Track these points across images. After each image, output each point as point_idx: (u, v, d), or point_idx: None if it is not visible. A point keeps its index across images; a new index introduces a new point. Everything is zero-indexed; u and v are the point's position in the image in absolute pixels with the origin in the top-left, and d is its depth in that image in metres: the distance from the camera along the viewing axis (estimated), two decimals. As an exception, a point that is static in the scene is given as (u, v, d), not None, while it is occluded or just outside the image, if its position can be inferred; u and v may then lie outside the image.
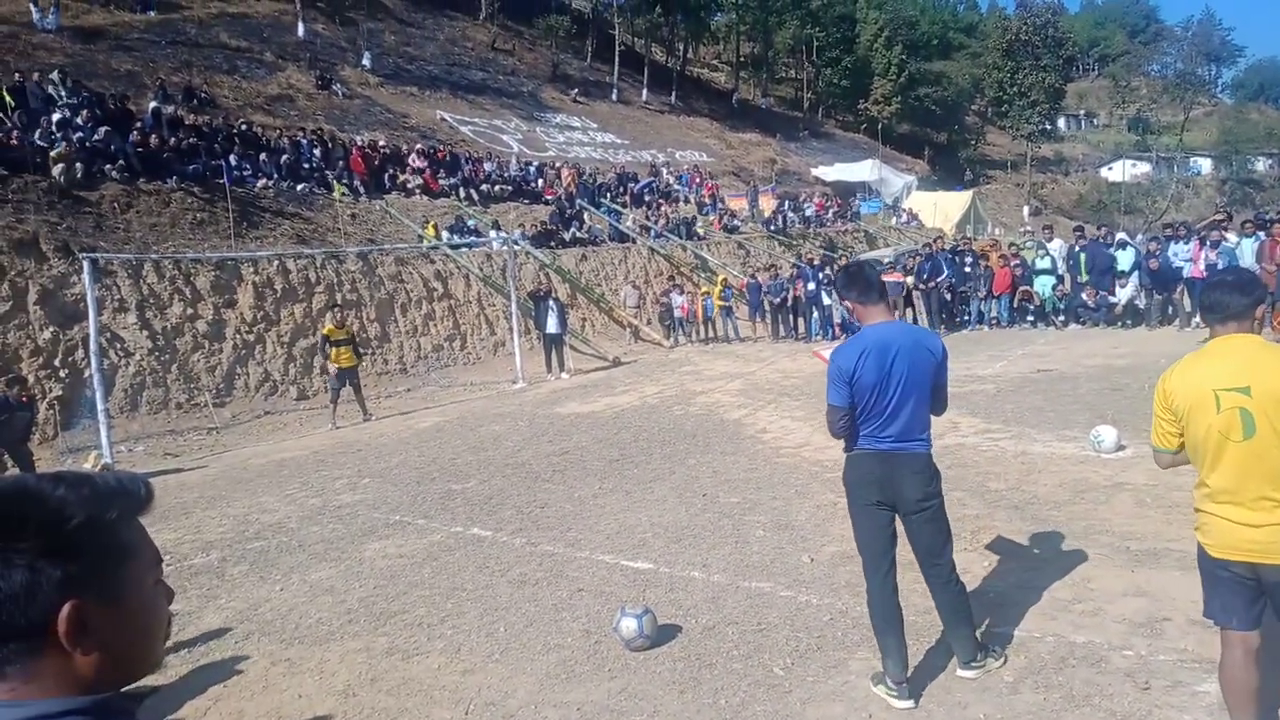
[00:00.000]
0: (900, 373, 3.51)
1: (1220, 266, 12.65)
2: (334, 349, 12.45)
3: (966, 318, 17.39)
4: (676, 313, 19.18)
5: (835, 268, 20.02)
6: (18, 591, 0.91)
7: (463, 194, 22.31)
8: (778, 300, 18.81)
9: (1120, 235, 19.04)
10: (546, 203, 24.23)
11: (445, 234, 19.35)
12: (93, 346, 11.18)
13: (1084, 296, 15.78)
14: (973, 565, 5.01)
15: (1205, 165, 70.57)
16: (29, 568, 0.91)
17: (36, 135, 14.98)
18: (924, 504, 3.61)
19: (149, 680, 1.07)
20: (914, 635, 3.93)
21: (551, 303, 15.69)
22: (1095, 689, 3.60)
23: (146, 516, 1.05)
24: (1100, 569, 4.84)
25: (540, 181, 25.82)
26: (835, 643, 4.22)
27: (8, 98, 16.17)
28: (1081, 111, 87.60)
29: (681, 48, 55.01)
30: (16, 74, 17.62)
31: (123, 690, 1.00)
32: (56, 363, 12.08)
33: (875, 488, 3.63)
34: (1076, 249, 16.38)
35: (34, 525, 0.92)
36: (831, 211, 34.74)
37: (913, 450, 3.60)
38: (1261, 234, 13.16)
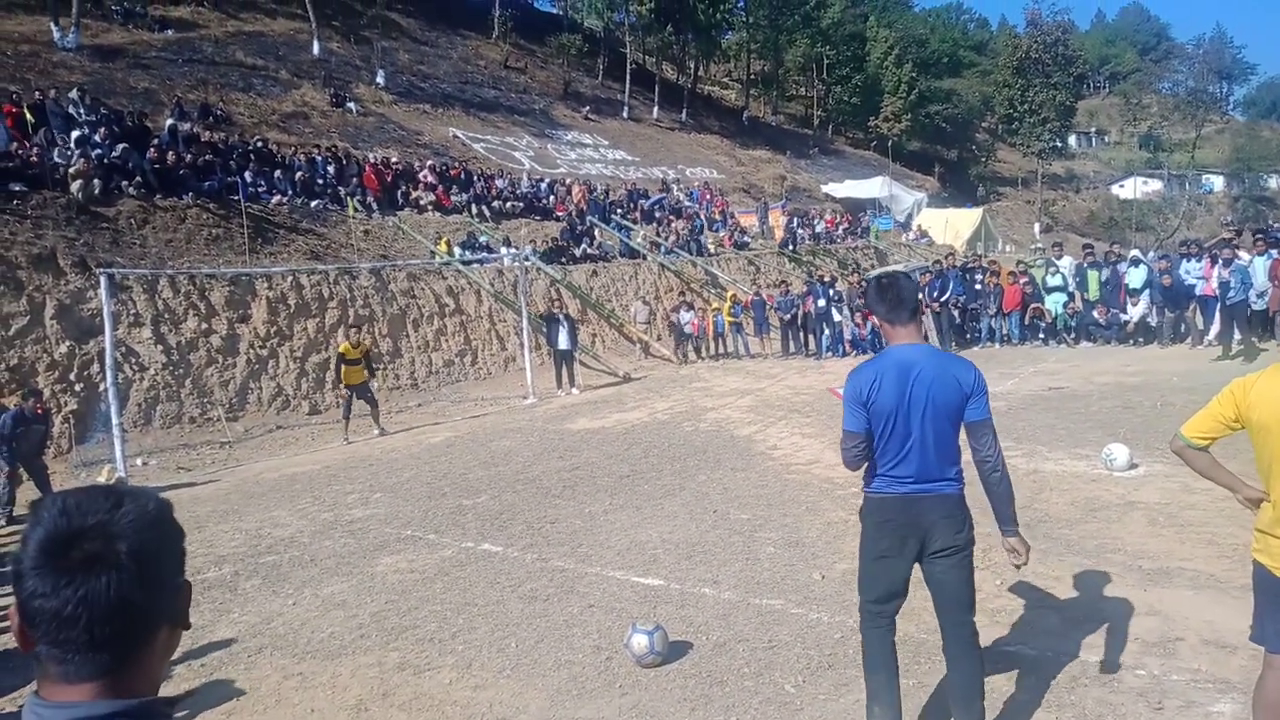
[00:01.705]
0: (920, 401, 3.12)
1: (1234, 285, 12.62)
2: (346, 368, 12.53)
3: (977, 335, 17.36)
4: (686, 329, 19.21)
5: (850, 283, 20.08)
6: (149, 606, 1.00)
7: (474, 210, 22.46)
8: (787, 317, 18.81)
9: (1133, 252, 19.01)
10: (557, 219, 24.36)
11: (457, 250, 19.46)
12: (108, 361, 11.28)
13: (1095, 314, 15.75)
14: (984, 584, 5.00)
15: (1217, 182, 70.40)
16: (160, 583, 1.01)
17: (56, 152, 15.18)
18: (953, 549, 3.17)
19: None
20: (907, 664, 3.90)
21: (562, 319, 15.78)
22: (1108, 709, 3.59)
23: None
24: (1112, 588, 4.82)
25: (551, 198, 25.96)
26: (847, 661, 4.21)
27: (29, 115, 16.40)
28: (1093, 129, 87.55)
29: (692, 65, 55.28)
30: (37, 92, 17.88)
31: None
32: (72, 377, 12.19)
33: (895, 537, 3.21)
34: (1085, 266, 16.37)
35: (169, 545, 1.04)
36: (842, 228, 34.80)
37: (940, 491, 3.17)
38: (1274, 252, 13.12)
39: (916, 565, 3.28)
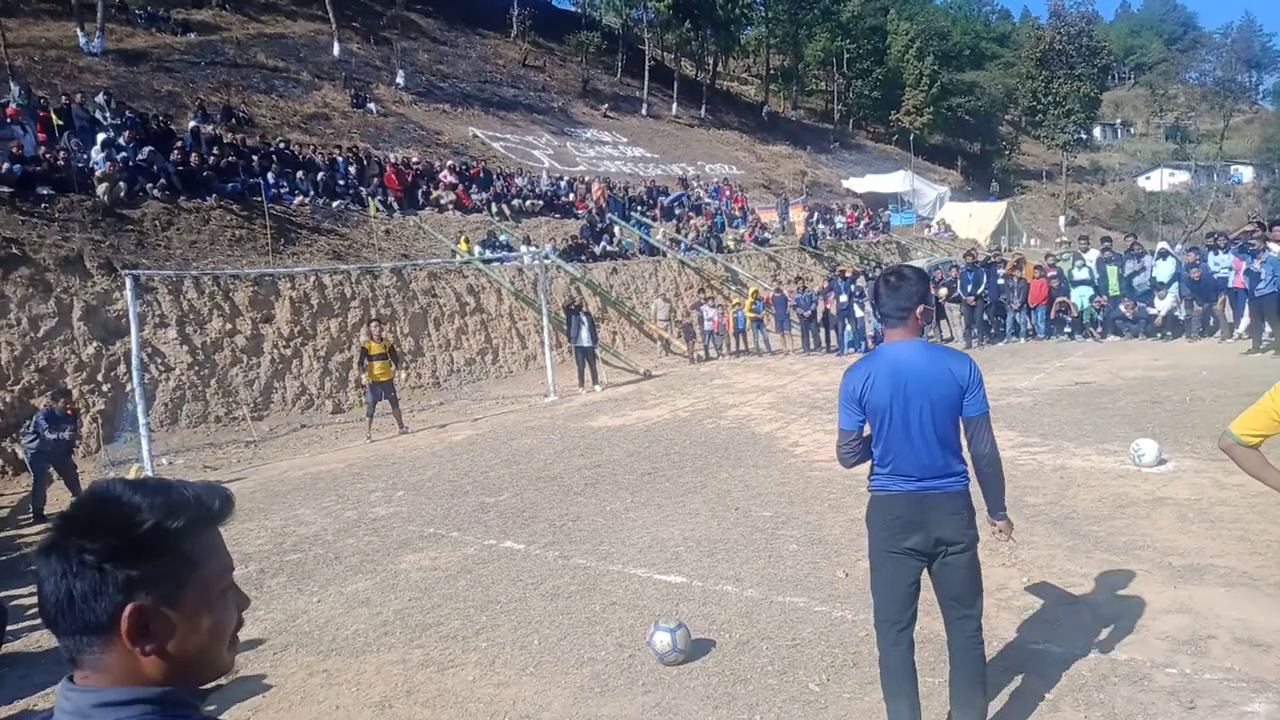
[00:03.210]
0: (917, 397, 3.10)
1: (1264, 277, 12.40)
2: (370, 363, 12.60)
3: (1002, 330, 17.19)
4: (707, 325, 19.15)
5: (868, 279, 19.95)
6: (86, 590, 0.97)
7: (494, 209, 22.53)
8: (806, 313, 18.71)
9: (1161, 245, 18.74)
10: (577, 217, 24.40)
11: (477, 249, 19.54)
12: (134, 361, 11.42)
13: (1122, 308, 15.54)
14: (1010, 581, 4.95)
15: (1246, 173, 69.17)
16: (97, 568, 0.97)
17: (83, 156, 15.38)
18: (960, 545, 3.17)
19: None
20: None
21: (583, 316, 15.78)
22: (1138, 708, 3.54)
23: (224, 526, 1.10)
24: (1142, 585, 4.75)
25: (571, 196, 25.99)
26: (871, 659, 4.14)
27: (56, 120, 16.64)
28: (1118, 120, 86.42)
29: (711, 61, 55.13)
30: (64, 96, 18.14)
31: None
32: (99, 377, 12.35)
33: (902, 535, 3.18)
34: (1104, 261, 16.15)
35: (104, 528, 0.98)
36: (863, 223, 34.59)
37: (946, 488, 3.16)
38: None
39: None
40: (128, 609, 0.97)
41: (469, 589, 5.77)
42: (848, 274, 19.79)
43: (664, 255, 23.71)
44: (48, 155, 14.91)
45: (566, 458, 9.85)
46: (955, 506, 3.17)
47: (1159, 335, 14.99)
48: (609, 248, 22.69)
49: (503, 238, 20.80)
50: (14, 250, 12.37)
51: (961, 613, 3.25)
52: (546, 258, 18.16)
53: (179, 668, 1.02)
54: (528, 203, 23.82)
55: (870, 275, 20.59)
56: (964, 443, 3.23)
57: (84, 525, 0.99)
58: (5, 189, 13.40)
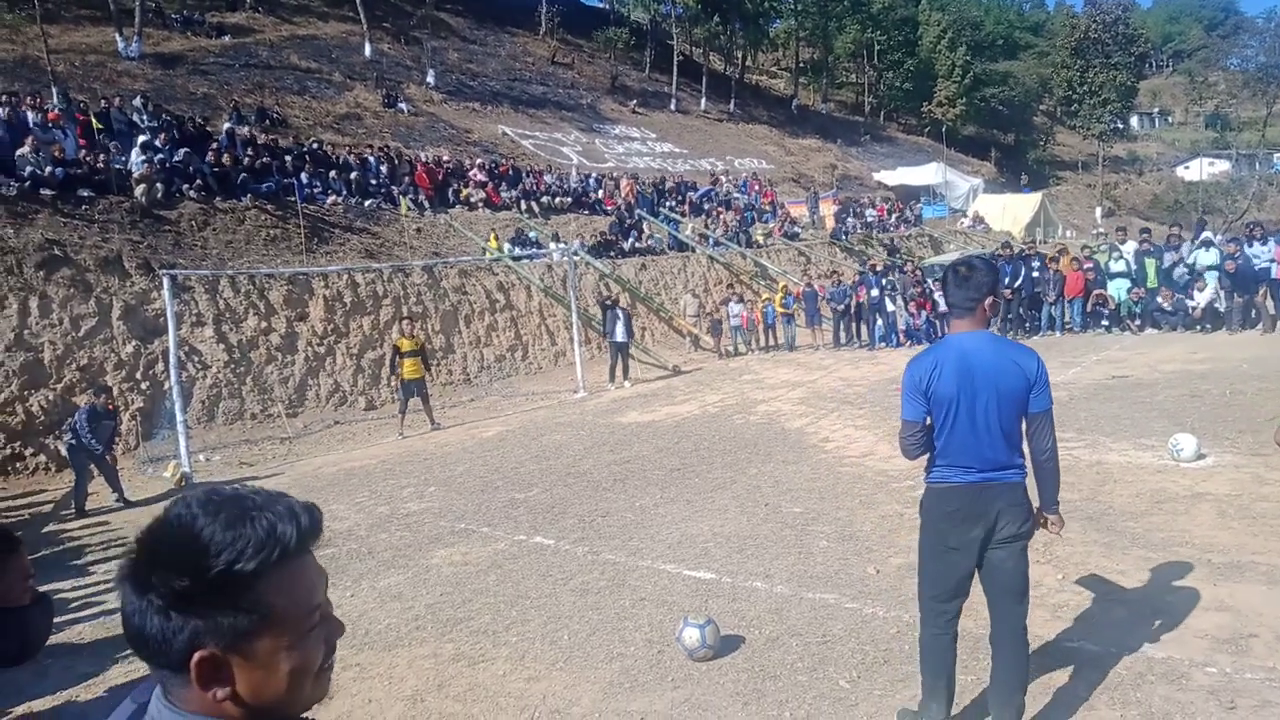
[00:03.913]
0: (984, 389, 3.08)
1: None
2: (403, 360, 12.72)
3: (1037, 323, 16.94)
4: (735, 321, 19.08)
5: (899, 273, 19.76)
6: (155, 633, 0.93)
7: (524, 206, 22.62)
8: (841, 307, 18.58)
9: (1205, 234, 18.34)
10: (606, 213, 24.42)
11: (507, 246, 19.63)
12: (172, 359, 11.62)
13: (1160, 299, 15.25)
14: (1045, 578, 4.88)
15: (1290, 162, 67.51)
16: (164, 613, 0.93)
17: (121, 158, 15.67)
18: (1015, 538, 3.15)
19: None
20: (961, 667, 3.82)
21: (619, 311, 15.81)
22: (1176, 707, 3.48)
23: (312, 551, 1.04)
24: (1180, 582, 4.67)
25: (600, 192, 26.02)
26: (902, 656, 4.14)
27: (95, 123, 16.97)
28: (1155, 109, 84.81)
29: (740, 55, 54.86)
30: (103, 100, 18.50)
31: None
32: (138, 375, 12.59)
33: (963, 527, 3.15)
34: (1142, 253, 15.85)
35: (174, 568, 0.93)
36: (894, 216, 34.25)
37: (1007, 480, 3.14)
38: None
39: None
40: (196, 657, 0.93)
41: (499, 584, 5.81)
42: (879, 268, 19.61)
43: (693, 251, 23.67)
44: (88, 158, 15.21)
45: (596, 453, 9.87)
46: (1015, 497, 3.16)
47: (1198, 328, 14.68)
48: (638, 244, 22.70)
49: (532, 235, 20.89)
50: (56, 251, 12.65)
51: (1012, 607, 3.22)
52: (575, 254, 18.20)
53: (262, 704, 0.98)
54: (557, 200, 23.89)
55: (901, 269, 20.40)
56: (1024, 436, 3.23)
57: (153, 558, 0.94)
58: (47, 192, 13.70)
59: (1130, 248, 16.52)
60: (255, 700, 0.97)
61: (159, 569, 0.93)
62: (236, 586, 0.93)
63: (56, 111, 16.58)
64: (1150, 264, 15.65)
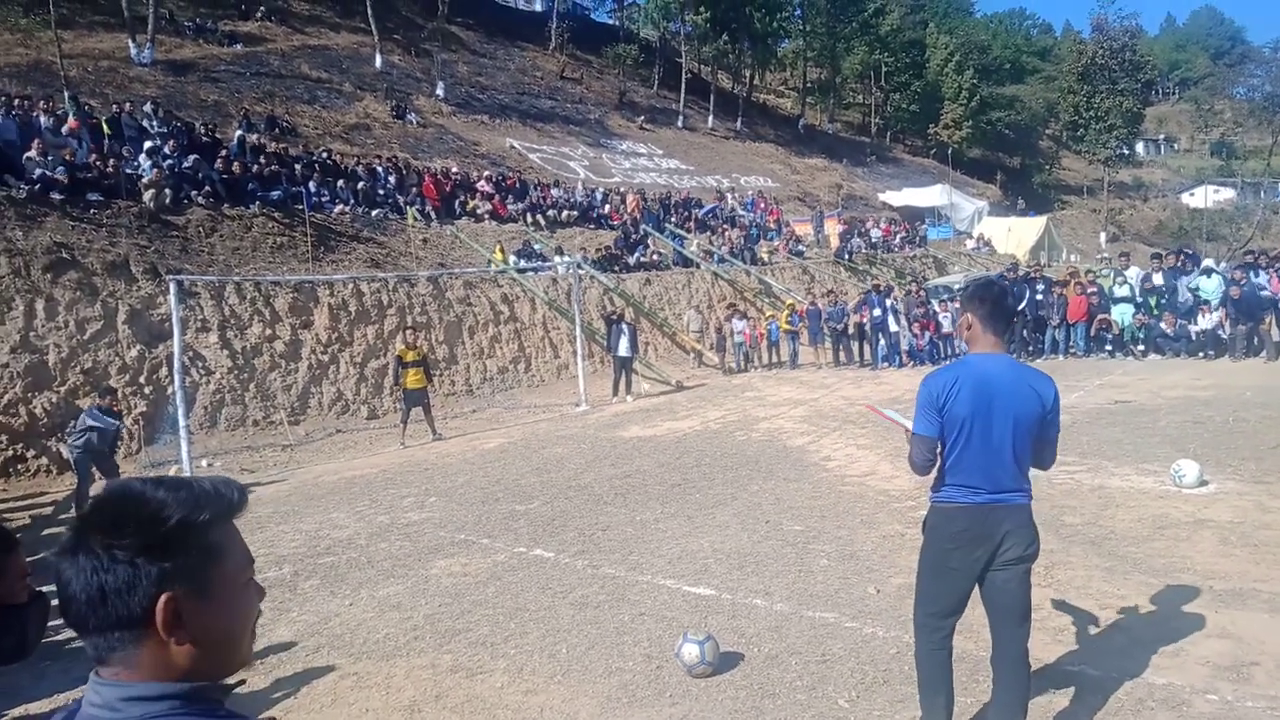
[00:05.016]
0: (1000, 412, 3.07)
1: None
2: (406, 370, 12.74)
3: (1040, 346, 16.94)
4: (738, 338, 19.11)
5: (902, 291, 19.77)
6: (120, 585, 1.00)
7: (530, 219, 22.71)
8: (839, 326, 18.59)
9: (1207, 262, 18.38)
10: (612, 228, 24.51)
11: (512, 258, 19.69)
12: (176, 365, 11.63)
13: (1163, 326, 15.26)
14: (1046, 602, 4.86)
15: (1295, 191, 67.57)
16: (130, 563, 1.00)
17: (131, 164, 15.76)
18: (1019, 560, 3.14)
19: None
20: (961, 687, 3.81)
21: (624, 326, 15.85)
22: (1177, 734, 3.46)
23: (239, 519, 1.13)
24: (1182, 609, 4.65)
25: (606, 207, 26.11)
26: (902, 677, 4.12)
27: (106, 128, 17.07)
28: (1161, 136, 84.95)
29: (748, 74, 55.13)
30: (114, 105, 18.62)
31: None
32: (142, 380, 12.62)
33: (968, 548, 3.14)
34: (1147, 290, 15.90)
35: (134, 525, 1.02)
36: (899, 237, 34.32)
37: (1014, 502, 3.14)
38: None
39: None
40: (162, 599, 1.00)
41: (498, 596, 5.80)
42: (882, 287, 19.64)
43: (697, 267, 23.72)
44: (97, 163, 15.29)
45: (597, 467, 9.87)
46: (1022, 519, 3.16)
47: (1202, 354, 14.69)
48: (643, 259, 22.76)
49: (537, 248, 20.96)
50: (63, 255, 12.71)
51: (1013, 630, 3.20)
52: (580, 268, 18.26)
53: (208, 659, 1.05)
54: (563, 213, 23.98)
55: (907, 289, 20.43)
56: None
57: (109, 523, 1.02)
58: (57, 195, 13.77)
59: (1134, 273, 16.54)
60: (208, 640, 1.04)
61: (119, 529, 1.01)
62: (194, 533, 1.04)
63: (75, 120, 16.62)
64: (1153, 300, 15.72)
